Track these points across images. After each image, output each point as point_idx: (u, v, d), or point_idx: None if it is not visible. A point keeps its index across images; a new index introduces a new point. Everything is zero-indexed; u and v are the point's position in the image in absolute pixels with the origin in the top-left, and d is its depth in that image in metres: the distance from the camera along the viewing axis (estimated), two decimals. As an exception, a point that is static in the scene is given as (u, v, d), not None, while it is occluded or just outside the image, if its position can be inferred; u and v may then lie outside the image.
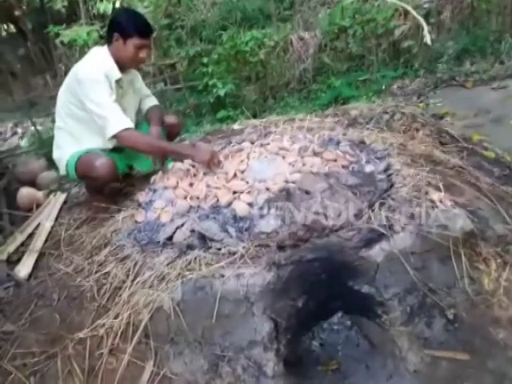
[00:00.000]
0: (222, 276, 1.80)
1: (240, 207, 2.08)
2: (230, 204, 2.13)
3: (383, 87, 5.25)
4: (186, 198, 2.25)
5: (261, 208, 2.08)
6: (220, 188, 2.27)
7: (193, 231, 2.03)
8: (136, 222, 2.30)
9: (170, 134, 2.87)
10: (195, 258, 1.89)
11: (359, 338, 2.34)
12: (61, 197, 2.91)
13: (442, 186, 2.18)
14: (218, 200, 2.18)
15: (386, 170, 2.32)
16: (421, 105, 4.63)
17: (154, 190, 2.46)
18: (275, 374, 1.79)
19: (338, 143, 2.53)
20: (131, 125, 2.41)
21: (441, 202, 2.08)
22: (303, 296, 1.86)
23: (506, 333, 1.86)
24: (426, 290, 1.88)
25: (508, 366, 1.80)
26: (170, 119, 2.86)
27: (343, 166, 2.31)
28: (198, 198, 2.22)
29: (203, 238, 1.98)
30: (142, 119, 2.86)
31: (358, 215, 2.00)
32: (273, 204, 2.07)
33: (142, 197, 2.47)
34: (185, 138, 3.91)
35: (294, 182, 2.27)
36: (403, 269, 1.87)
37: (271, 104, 5.33)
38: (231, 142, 2.88)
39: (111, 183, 2.62)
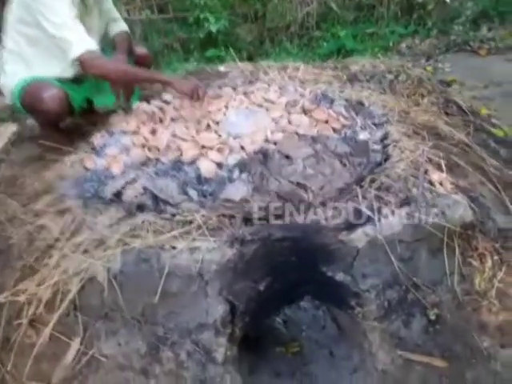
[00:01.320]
0: (173, 248, 1.50)
1: (206, 166, 1.74)
2: (194, 161, 1.79)
3: (391, 44, 4.79)
4: (144, 147, 1.90)
5: (230, 170, 1.76)
6: (186, 140, 1.92)
7: (146, 189, 1.70)
8: (85, 168, 1.96)
9: (139, 65, 2.45)
10: (142, 223, 1.57)
11: (326, 319, 2.11)
12: (9, 128, 2.53)
13: (444, 166, 1.87)
14: (181, 154, 1.83)
15: (382, 139, 1.99)
16: (428, 68, 4.21)
17: (111, 133, 2.10)
18: (226, 360, 1.54)
19: (332, 101, 2.17)
20: (96, 47, 2.01)
21: (441, 184, 1.78)
22: (267, 278, 1.58)
23: (492, 341, 1.63)
24: (409, 284, 1.62)
25: (489, 380, 1.58)
26: (140, 50, 2.43)
27: (334, 130, 1.97)
28: (158, 149, 1.88)
29: (157, 200, 1.65)
30: (107, 47, 2.44)
31: (344, 191, 1.69)
32: (245, 167, 1.74)
33: (97, 139, 2.11)
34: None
35: (275, 143, 1.93)
36: (386, 258, 1.60)
37: (268, 48, 4.85)
38: (209, 86, 2.49)
39: (64, 119, 2.24)
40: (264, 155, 1.79)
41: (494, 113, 3.09)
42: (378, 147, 1.93)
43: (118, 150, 1.92)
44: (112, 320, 1.50)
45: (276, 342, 2.02)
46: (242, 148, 1.88)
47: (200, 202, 1.67)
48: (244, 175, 1.71)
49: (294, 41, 4.94)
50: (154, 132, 2.02)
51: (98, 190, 1.78)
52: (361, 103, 2.28)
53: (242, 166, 1.74)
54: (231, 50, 3.63)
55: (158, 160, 1.84)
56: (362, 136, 1.96)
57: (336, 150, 1.82)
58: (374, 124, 2.07)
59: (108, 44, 2.41)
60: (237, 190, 1.68)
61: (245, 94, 2.36)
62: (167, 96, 2.35)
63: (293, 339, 2.05)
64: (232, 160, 1.77)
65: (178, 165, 1.79)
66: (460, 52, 4.62)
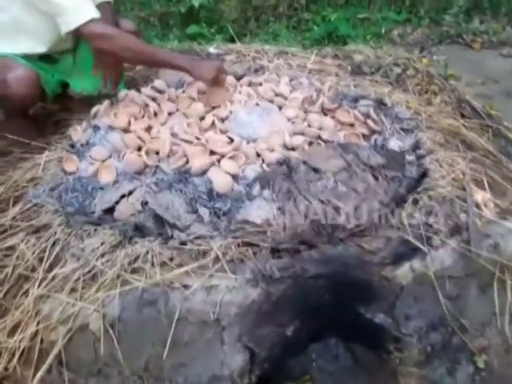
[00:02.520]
0: (185, 287, 1.19)
1: (220, 179, 1.42)
2: (204, 171, 1.45)
3: (383, 31, 4.51)
4: (139, 149, 1.55)
5: (249, 185, 1.44)
6: (191, 142, 1.57)
7: (145, 204, 1.36)
8: (64, 171, 1.58)
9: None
10: (146, 253, 1.24)
11: (339, 347, 1.86)
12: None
13: (486, 183, 1.64)
14: (187, 161, 1.49)
15: (414, 148, 1.72)
16: (424, 60, 3.98)
17: (95, 128, 1.71)
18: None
19: (356, 100, 1.87)
20: (98, 14, 1.65)
21: (485, 205, 1.54)
22: (295, 322, 1.30)
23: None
24: (455, 326, 1.39)
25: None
26: (126, 25, 2.03)
27: (364, 136, 1.68)
28: (157, 153, 1.52)
29: (160, 220, 1.32)
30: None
31: (382, 213, 1.42)
32: (267, 182, 1.43)
33: (77, 134, 1.72)
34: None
35: (293, 149, 1.62)
36: (433, 296, 1.36)
37: (253, 27, 4.45)
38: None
39: (33, 105, 1.83)
40: (288, 166, 1.48)
41: (499, 113, 2.90)
42: (412, 158, 1.66)
43: (107, 152, 1.55)
44: (107, 377, 1.18)
45: (286, 376, 1.76)
46: (259, 155, 1.56)
47: (213, 224, 1.35)
48: (266, 192, 1.40)
49: (282, 22, 4.56)
50: (149, 129, 1.66)
51: (84, 204, 1.42)
52: (383, 102, 2.00)
53: (264, 180, 1.42)
54: (230, 28, 3.23)
55: (158, 168, 1.49)
56: (393, 144, 1.68)
57: (369, 162, 1.54)
58: (403, 129, 1.80)
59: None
60: (258, 210, 1.37)
61: (250, 84, 2.02)
62: (158, 82, 1.97)
63: (303, 371, 1.80)
64: (250, 172, 1.46)
65: (183, 175, 1.45)
66: (453, 44, 4.43)
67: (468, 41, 4.40)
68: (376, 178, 1.55)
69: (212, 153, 1.53)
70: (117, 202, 1.39)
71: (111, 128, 1.65)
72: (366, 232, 1.37)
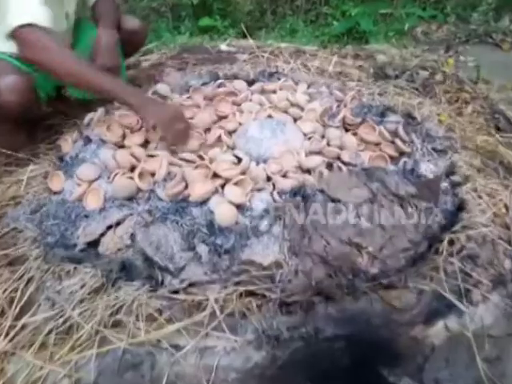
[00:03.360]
0: (175, 347, 0.98)
1: (222, 211, 1.20)
2: (205, 200, 1.23)
3: (406, 28, 4.19)
4: (133, 169, 1.33)
5: (257, 218, 1.21)
6: (193, 161, 1.35)
7: (135, 240, 1.15)
8: (50, 190, 1.38)
9: (129, 44, 1.82)
10: (132, 303, 1.03)
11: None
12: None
13: (530, 220, 1.39)
14: (186, 186, 1.27)
15: (448, 173, 1.48)
16: (449, 60, 3.67)
17: (86, 140, 1.50)
18: None
19: (383, 114, 1.63)
20: (47, 22, 1.38)
21: (531, 247, 1.30)
22: (305, 386, 1.09)
23: None
24: (493, 393, 1.16)
25: None
26: (131, 22, 1.80)
27: (390, 157, 1.44)
28: (153, 174, 1.31)
29: (150, 261, 1.11)
30: (87, 17, 1.79)
31: (413, 256, 1.19)
32: (277, 215, 1.20)
33: (67, 145, 1.51)
34: (153, 49, 2.83)
35: (309, 171, 1.39)
36: (469, 359, 1.12)
37: (269, 21, 4.19)
38: (218, 77, 1.89)
39: (27, 114, 1.62)
40: (303, 197, 1.25)
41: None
42: (446, 186, 1.42)
43: (96, 172, 1.34)
44: None
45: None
46: (269, 179, 1.34)
47: (212, 265, 1.14)
48: (276, 228, 1.18)
49: (300, 15, 4.28)
50: (145, 144, 1.44)
51: (66, 234, 1.21)
52: (411, 116, 1.75)
53: (274, 212, 1.20)
54: (243, 26, 2.98)
55: (152, 193, 1.27)
56: (425, 168, 1.44)
57: (398, 191, 1.31)
58: (435, 150, 1.55)
59: (87, 13, 1.76)
60: (266, 250, 1.15)
61: (263, 91, 1.79)
62: (161, 87, 1.75)
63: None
64: (258, 202, 1.23)
65: (181, 204, 1.23)
66: (481, 44, 4.10)
67: (497, 40, 4.08)
68: (405, 210, 1.31)
69: (215, 175, 1.31)
70: (102, 234, 1.18)
71: (103, 142, 1.43)
72: (394, 280, 1.14)
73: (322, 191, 1.26)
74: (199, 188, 1.23)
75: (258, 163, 1.39)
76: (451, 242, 1.24)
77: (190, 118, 1.61)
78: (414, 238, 1.25)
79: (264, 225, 1.18)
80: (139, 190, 1.28)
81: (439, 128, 1.67)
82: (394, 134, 1.52)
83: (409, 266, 1.19)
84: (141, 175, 1.29)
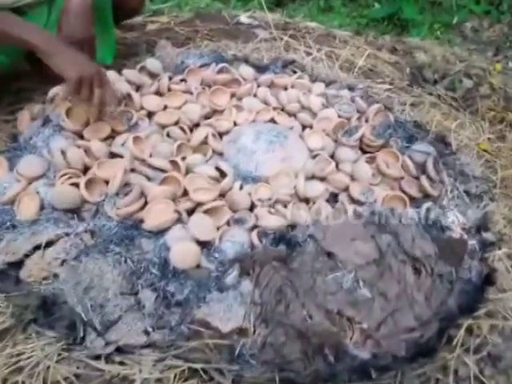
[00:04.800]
0: None
1: (182, 250, 0.90)
2: (163, 231, 0.94)
3: (454, 21, 3.70)
4: (86, 172, 1.04)
5: (224, 265, 0.92)
6: (163, 169, 1.05)
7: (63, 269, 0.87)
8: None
9: (122, 7, 1.48)
10: (36, 365, 0.76)
11: None
12: None
13: None
14: (143, 206, 0.98)
15: (479, 228, 1.15)
16: (497, 66, 3.21)
17: (46, 120, 1.20)
18: None
19: (411, 139, 1.28)
20: None
21: None
22: None
23: None
24: None
25: None
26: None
27: (411, 198, 1.12)
28: (106, 182, 1.01)
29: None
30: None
31: (417, 342, 0.90)
32: (251, 267, 0.91)
33: (24, 122, 1.22)
34: (164, 10, 2.45)
35: (307, 200, 1.08)
36: None
37: (302, -6, 3.72)
38: (223, 60, 1.54)
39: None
40: (289, 244, 0.95)
41: None
42: (474, 246, 1.10)
43: (42, 167, 1.05)
44: None
45: None
46: (253, 207, 1.03)
47: (157, 320, 0.86)
48: (246, 283, 0.88)
49: (339, -9, 3.80)
50: (111, 137, 1.14)
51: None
52: (445, 142, 1.41)
53: (247, 262, 0.90)
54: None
55: (97, 211, 0.98)
56: (452, 220, 1.12)
57: (412, 250, 0.99)
58: (468, 194, 1.22)
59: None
60: (228, 311, 0.86)
61: (272, 85, 1.45)
62: (152, 63, 1.42)
63: None
64: (230, 242, 0.93)
65: (131, 231, 0.94)
66: (535, 51, 3.61)
67: (554, 49, 3.58)
68: (418, 273, 1.00)
69: (185, 194, 1.01)
70: (27, 255, 0.90)
71: (61, 128, 1.13)
72: (390, 369, 0.85)
73: (315, 239, 0.95)
74: (157, 214, 0.93)
75: (243, 184, 1.08)
76: (470, 331, 0.94)
77: (177, 106, 1.30)
78: (422, 314, 0.95)
79: (231, 277, 0.89)
80: (84, 201, 0.98)
81: (477, 164, 1.32)
82: (421, 167, 1.19)
83: (409, 355, 0.90)
84: (91, 183, 0.99)
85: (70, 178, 1.01)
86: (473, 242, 1.12)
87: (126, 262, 0.90)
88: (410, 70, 2.17)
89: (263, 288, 0.87)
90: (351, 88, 1.52)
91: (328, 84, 1.51)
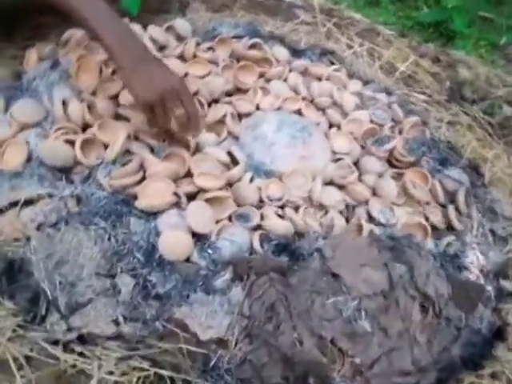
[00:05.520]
0: None
1: (174, 239, 0.80)
2: (156, 213, 0.83)
3: (502, 41, 3.49)
4: (85, 130, 0.92)
5: (217, 265, 0.81)
6: (174, 141, 0.93)
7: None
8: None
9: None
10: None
11: None
12: None
13: None
14: (141, 180, 0.86)
15: (498, 274, 1.04)
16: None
17: (55, 64, 1.08)
18: None
19: (444, 162, 1.15)
20: None
21: None
22: None
23: None
24: None
25: None
26: None
27: (433, 228, 1.00)
28: (105, 146, 0.90)
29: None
30: None
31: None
32: (246, 274, 0.80)
33: (31, 60, 1.10)
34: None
35: (320, 207, 0.97)
36: None
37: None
38: (258, 35, 1.40)
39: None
40: (292, 255, 0.84)
41: None
42: (490, 292, 0.99)
43: (36, 115, 0.93)
44: None
45: None
46: (260, 207, 0.92)
47: (131, 311, 0.76)
48: (237, 291, 0.78)
49: (391, -13, 3.59)
50: (116, 97, 1.01)
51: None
52: (478, 170, 1.28)
53: (242, 268, 0.79)
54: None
55: (89, 176, 0.87)
56: (471, 259, 1.01)
57: (424, 286, 0.88)
58: (493, 233, 1.10)
59: None
60: (211, 318, 0.76)
61: (305, 73, 1.31)
62: (181, 24, 1.29)
63: None
64: (228, 241, 0.82)
65: (122, 206, 0.83)
66: None
67: None
68: (425, 312, 0.90)
69: (189, 175, 0.90)
70: (1, 211, 0.80)
71: (67, 76, 1.01)
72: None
73: (322, 255, 0.84)
74: (153, 193, 0.82)
75: (254, 176, 0.96)
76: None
77: (200, 76, 1.17)
78: (421, 359, 0.85)
79: (222, 280, 0.78)
80: (78, 163, 0.87)
81: (508, 203, 1.20)
82: (451, 196, 1.07)
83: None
84: (88, 143, 0.88)
85: (66, 133, 0.89)
86: (489, 288, 1.01)
87: (109, 239, 0.79)
88: (450, 84, 2.01)
89: (255, 300, 0.77)
90: (389, 92, 1.38)
91: (365, 83, 1.38)
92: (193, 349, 0.75)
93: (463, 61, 2.39)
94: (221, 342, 0.76)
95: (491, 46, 3.38)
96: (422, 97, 1.63)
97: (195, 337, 0.76)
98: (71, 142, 0.87)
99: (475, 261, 1.02)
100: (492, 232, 1.11)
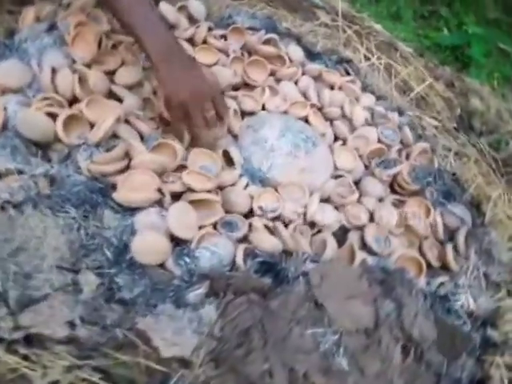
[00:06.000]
0: None
1: (149, 242, 0.71)
2: (135, 209, 0.74)
3: (515, 76, 3.45)
4: (72, 104, 0.83)
5: (193, 275, 0.73)
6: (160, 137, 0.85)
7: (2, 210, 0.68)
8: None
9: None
10: None
11: None
12: None
13: None
14: (125, 169, 0.78)
15: (485, 323, 0.98)
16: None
17: (50, 27, 0.98)
18: None
19: (448, 196, 1.09)
20: None
21: None
22: None
23: None
24: None
25: None
26: None
27: (428, 267, 0.93)
28: (91, 125, 0.81)
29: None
30: None
31: None
32: (222, 291, 0.72)
33: (27, 20, 1.00)
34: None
35: (313, 225, 0.90)
36: None
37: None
38: (275, 30, 1.31)
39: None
40: (276, 276, 0.76)
41: None
42: (475, 341, 0.93)
43: (21, 79, 0.84)
44: None
45: None
46: (250, 214, 0.84)
47: (90, 313, 0.68)
48: (210, 309, 0.70)
49: (414, 4, 3.52)
50: (112, 74, 0.92)
51: None
52: (480, 209, 1.22)
53: (219, 285, 0.72)
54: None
55: (68, 156, 0.78)
56: (462, 303, 0.95)
57: (410, 327, 0.82)
58: (486, 277, 1.04)
59: None
60: (177, 334, 0.68)
61: (318, 79, 1.23)
62: (195, 5, 1.20)
63: None
64: (209, 251, 0.74)
65: (97, 196, 0.74)
66: None
67: None
68: (405, 354, 0.83)
69: (178, 170, 0.81)
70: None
71: (63, 42, 0.92)
72: None
73: (308, 280, 0.77)
74: (135, 186, 0.74)
75: (247, 183, 0.88)
76: None
77: (207, 64, 1.08)
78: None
79: (196, 294, 0.70)
80: (58, 140, 0.78)
81: (506, 248, 1.14)
82: (451, 233, 1.00)
83: None
84: (72, 120, 0.79)
85: (50, 104, 0.80)
86: (475, 336, 0.95)
87: (78, 230, 0.71)
88: (461, 112, 1.95)
89: (228, 321, 0.69)
90: (401, 112, 1.30)
91: (377, 98, 1.30)
92: (152, 365, 0.67)
93: (476, 90, 2.32)
94: (184, 362, 0.68)
95: (504, 80, 3.33)
96: (433, 122, 1.56)
97: (156, 352, 0.68)
98: (54, 116, 0.78)
99: (465, 305, 0.96)
100: (486, 276, 1.04)
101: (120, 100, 0.87)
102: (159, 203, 0.76)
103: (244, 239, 0.80)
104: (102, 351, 0.67)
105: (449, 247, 0.96)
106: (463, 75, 2.54)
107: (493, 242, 1.11)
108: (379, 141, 1.12)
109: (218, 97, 0.85)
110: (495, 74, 3.31)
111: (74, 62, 0.90)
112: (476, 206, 1.22)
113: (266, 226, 0.83)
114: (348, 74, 1.32)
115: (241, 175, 0.88)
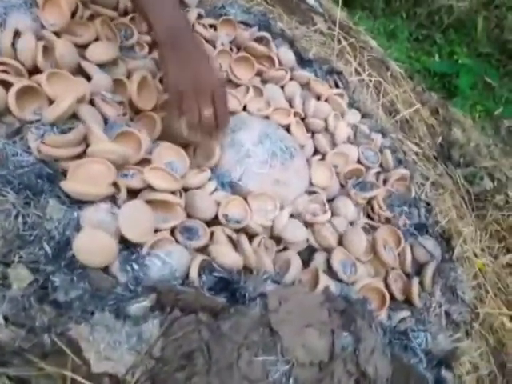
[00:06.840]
0: None
1: (94, 241, 0.63)
2: (86, 202, 0.66)
3: (496, 112, 3.53)
4: (32, 74, 0.74)
5: (138, 285, 0.66)
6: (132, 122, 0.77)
7: None
8: None
9: None
10: None
11: None
12: None
13: None
14: (81, 154, 0.69)
15: (441, 361, 0.95)
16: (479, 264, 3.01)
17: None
18: None
19: (420, 228, 1.05)
20: None
21: None
22: None
23: None
24: None
25: None
26: None
27: (391, 300, 0.90)
28: (50, 101, 0.72)
29: None
30: None
31: None
32: (170, 306, 0.65)
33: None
34: None
35: (278, 240, 0.84)
36: None
37: (378, 9, 3.44)
38: (269, 29, 1.25)
39: None
40: (232, 295, 0.70)
41: None
42: (428, 378, 0.90)
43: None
44: None
45: None
46: (211, 224, 0.78)
47: (16, 313, 0.59)
48: (153, 324, 0.63)
49: (410, 25, 3.54)
50: (83, 48, 0.84)
51: None
52: (449, 242, 1.19)
53: (167, 299, 0.65)
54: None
55: (18, 132, 0.69)
56: (420, 341, 0.92)
57: (365, 364, 0.77)
58: (448, 315, 1.02)
59: None
60: (113, 349, 0.62)
61: (306, 87, 1.18)
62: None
63: None
64: (157, 263, 0.67)
65: (44, 182, 0.66)
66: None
67: None
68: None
69: (140, 164, 0.74)
70: None
71: (33, 3, 0.82)
72: None
73: (265, 304, 0.71)
74: (88, 176, 0.65)
75: (217, 187, 0.82)
76: None
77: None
78: None
79: (139, 306, 0.63)
80: (10, 112, 0.69)
81: (470, 286, 1.12)
82: (418, 267, 0.97)
83: None
84: (27, 93, 0.70)
85: (5, 71, 0.71)
86: (428, 375, 0.92)
87: (16, 217, 0.62)
88: (442, 140, 1.96)
89: (171, 341, 0.62)
90: (384, 133, 1.27)
91: (363, 115, 1.26)
92: (80, 379, 0.59)
93: (459, 121, 2.34)
94: (116, 380, 0.61)
95: (486, 113, 3.39)
96: (414, 148, 1.54)
97: (87, 365, 0.61)
98: (8, 84, 0.69)
99: (423, 343, 0.92)
100: (447, 314, 1.02)
101: (88, 78, 0.78)
102: (112, 199, 0.68)
103: (203, 249, 0.74)
104: (25, 358, 0.59)
105: (415, 282, 0.92)
106: (448, 103, 2.56)
107: (458, 279, 1.09)
108: (359, 161, 1.07)
109: (218, 91, 0.77)
110: (477, 107, 3.37)
111: (42, 27, 0.81)
112: (446, 240, 1.20)
113: (230, 237, 0.76)
114: (337, 86, 1.27)
115: (210, 179, 0.81)
